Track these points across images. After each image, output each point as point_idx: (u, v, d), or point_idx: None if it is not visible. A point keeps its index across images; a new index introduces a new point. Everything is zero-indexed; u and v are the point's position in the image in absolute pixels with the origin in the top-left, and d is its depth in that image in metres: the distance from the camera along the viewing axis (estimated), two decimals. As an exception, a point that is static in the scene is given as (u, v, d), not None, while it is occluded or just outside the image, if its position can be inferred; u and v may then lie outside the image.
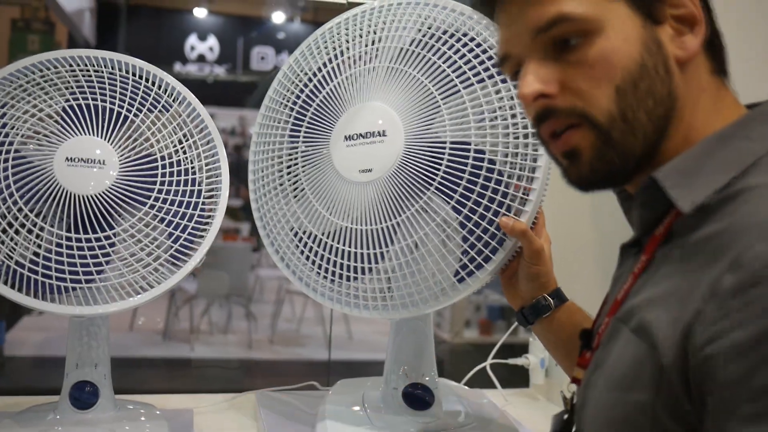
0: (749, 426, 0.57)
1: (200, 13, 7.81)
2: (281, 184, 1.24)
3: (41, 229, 1.11)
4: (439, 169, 1.09)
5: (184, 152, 1.19)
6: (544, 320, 1.12)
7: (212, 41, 7.80)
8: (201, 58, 7.75)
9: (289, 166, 1.23)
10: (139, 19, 7.49)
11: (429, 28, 1.16)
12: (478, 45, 1.12)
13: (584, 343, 0.86)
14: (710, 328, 0.60)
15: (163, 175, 1.16)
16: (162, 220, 1.15)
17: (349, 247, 1.16)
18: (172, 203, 1.16)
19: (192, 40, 7.76)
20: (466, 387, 1.52)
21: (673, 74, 0.71)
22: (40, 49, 5.73)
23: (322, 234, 1.19)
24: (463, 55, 1.11)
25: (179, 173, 1.17)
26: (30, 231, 1.11)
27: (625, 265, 0.82)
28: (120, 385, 1.26)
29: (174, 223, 1.16)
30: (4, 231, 1.10)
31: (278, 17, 7.64)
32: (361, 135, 1.15)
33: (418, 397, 1.25)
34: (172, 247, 1.15)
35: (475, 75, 1.10)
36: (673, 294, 0.66)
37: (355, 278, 1.17)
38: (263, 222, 1.27)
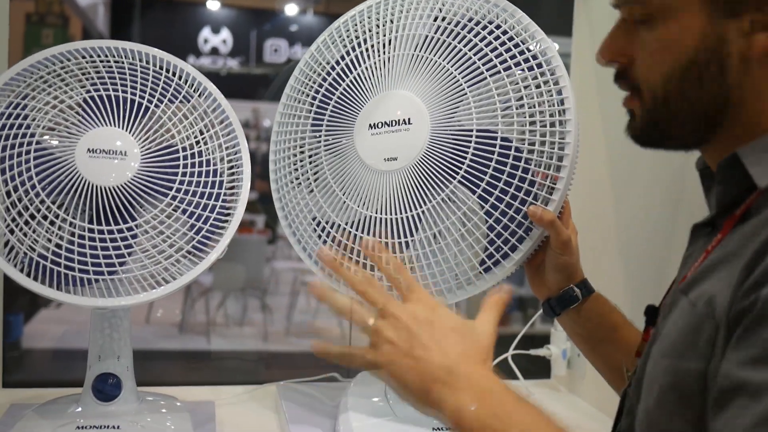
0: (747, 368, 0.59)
1: (213, 5, 7.80)
2: (303, 174, 1.23)
3: (63, 220, 1.11)
4: (465, 158, 1.08)
5: (206, 143, 1.18)
6: (571, 311, 1.11)
7: (225, 34, 7.79)
8: (214, 51, 7.75)
9: (311, 156, 1.23)
10: (152, 12, 7.49)
11: (454, 16, 1.15)
12: (504, 32, 1.10)
13: (648, 320, 0.88)
14: (759, 277, 0.62)
15: (185, 166, 1.16)
16: (184, 211, 1.15)
17: (372, 236, 1.15)
18: (194, 194, 1.15)
19: (205, 32, 7.76)
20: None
21: (728, 72, 0.71)
22: (54, 42, 5.74)
23: (346, 223, 1.18)
24: (489, 43, 1.10)
25: (200, 164, 1.16)
26: (52, 223, 1.10)
27: (696, 245, 0.82)
28: (139, 377, 1.26)
29: (195, 215, 1.15)
30: (27, 223, 1.10)
31: (291, 9, 7.62)
32: (386, 123, 1.14)
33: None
34: (193, 238, 1.15)
35: (501, 62, 1.09)
36: (732, 262, 0.67)
37: (380, 241, 1.16)
38: (285, 212, 1.26)
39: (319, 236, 1.22)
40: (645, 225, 1.42)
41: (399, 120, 1.13)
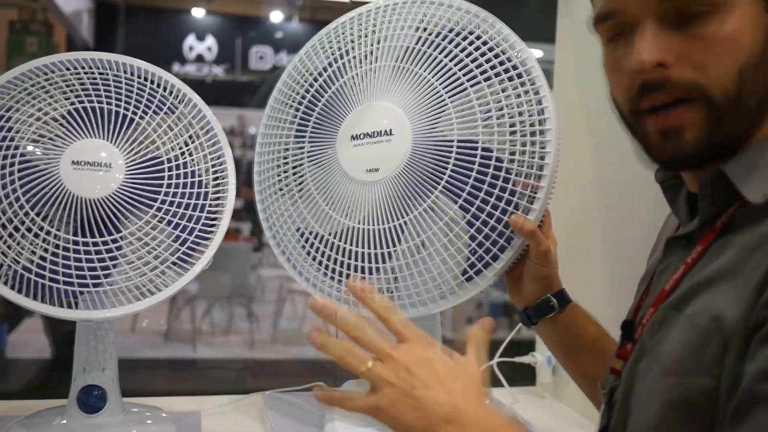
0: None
1: (198, 13, 7.80)
2: (287, 185, 1.24)
3: (47, 233, 1.11)
4: (446, 168, 1.09)
5: (191, 154, 1.18)
6: (548, 321, 1.12)
7: (210, 41, 7.79)
8: (199, 58, 7.75)
9: (295, 166, 1.23)
10: (137, 19, 7.48)
11: (435, 27, 1.16)
12: (485, 43, 1.11)
13: (625, 335, 0.85)
14: None
15: (170, 177, 1.16)
16: (169, 222, 1.15)
17: (356, 246, 1.15)
18: (179, 206, 1.15)
19: (190, 40, 7.75)
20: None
21: None
22: (38, 50, 5.71)
23: (329, 234, 1.18)
24: (470, 53, 1.11)
25: (185, 175, 1.17)
26: (36, 235, 1.10)
27: (672, 257, 0.82)
28: (125, 386, 1.26)
29: (181, 226, 1.15)
30: (11, 235, 1.10)
31: (276, 16, 7.63)
32: (367, 134, 1.15)
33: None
34: (179, 250, 1.15)
35: (482, 73, 1.10)
36: (736, 277, 0.67)
37: (362, 278, 1.17)
38: (269, 223, 1.26)
39: (303, 246, 1.22)
40: (630, 234, 1.44)
41: (381, 131, 1.13)
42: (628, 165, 1.45)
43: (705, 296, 0.70)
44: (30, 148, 1.12)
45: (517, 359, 1.68)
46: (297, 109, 1.24)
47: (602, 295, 1.49)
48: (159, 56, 7.65)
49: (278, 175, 1.25)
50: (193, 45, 7.75)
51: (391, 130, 1.13)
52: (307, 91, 1.23)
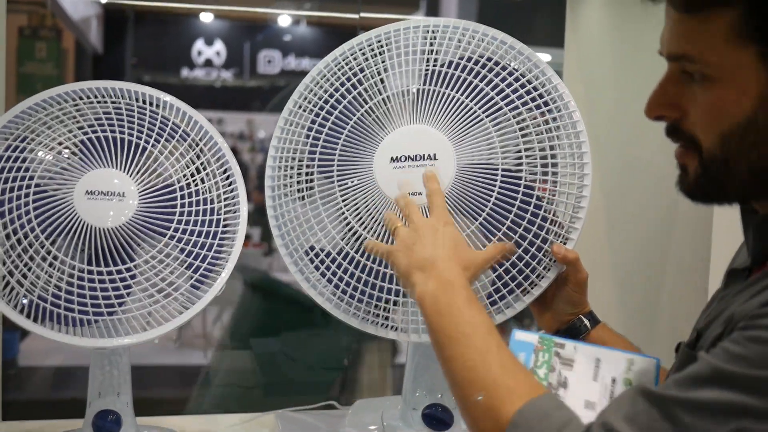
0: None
1: (206, 17, 7.81)
2: (310, 197, 1.21)
3: (62, 262, 1.12)
4: (491, 194, 1.11)
5: (202, 181, 1.19)
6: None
7: (219, 46, 7.79)
8: (208, 63, 7.74)
9: (321, 184, 1.20)
10: (145, 25, 7.49)
11: (473, 54, 1.17)
12: (523, 75, 1.14)
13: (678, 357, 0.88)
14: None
15: (182, 205, 1.17)
16: (182, 250, 1.16)
17: (385, 268, 1.16)
18: (191, 233, 1.17)
19: (199, 44, 7.75)
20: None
21: None
22: (48, 56, 5.74)
23: (355, 252, 1.18)
24: (508, 82, 1.14)
25: (197, 203, 1.18)
26: (51, 264, 1.12)
27: (731, 288, 0.83)
28: (136, 395, 1.27)
29: (194, 253, 1.16)
30: (26, 265, 1.11)
31: (284, 20, 7.64)
32: (410, 157, 1.15)
33: (437, 418, 1.25)
34: (192, 277, 1.16)
35: (518, 98, 1.13)
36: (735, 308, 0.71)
37: (387, 300, 1.18)
38: (285, 241, 1.23)
39: (317, 267, 1.21)
40: (638, 251, 1.44)
41: (424, 155, 1.14)
42: (635, 181, 1.46)
43: (714, 329, 0.73)
44: (45, 179, 1.13)
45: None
46: (322, 124, 1.20)
47: (612, 308, 1.49)
48: (167, 61, 7.67)
49: (295, 184, 1.22)
50: (201, 50, 7.75)
51: (435, 154, 1.14)
52: (334, 107, 1.20)
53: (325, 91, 1.22)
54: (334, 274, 1.20)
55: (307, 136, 1.21)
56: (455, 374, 0.83)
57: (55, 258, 1.12)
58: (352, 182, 1.18)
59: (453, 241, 0.96)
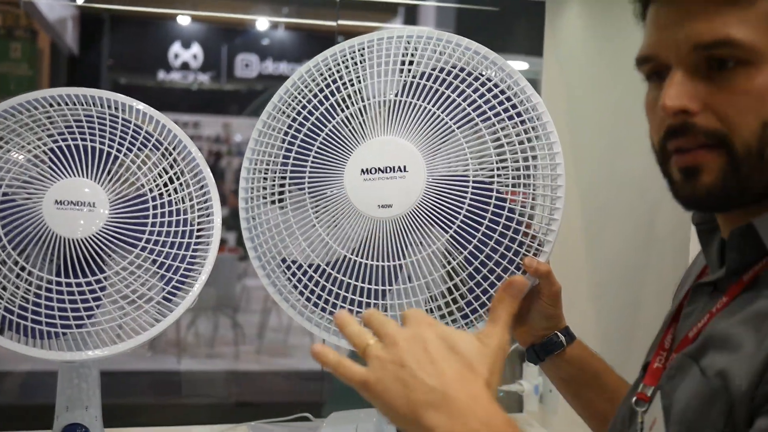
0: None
1: (184, 20, 7.76)
2: (281, 208, 1.20)
3: (30, 273, 1.09)
4: (462, 207, 1.10)
5: (176, 191, 1.17)
6: (555, 357, 1.13)
7: (196, 49, 7.75)
8: (185, 66, 7.70)
9: (291, 191, 1.20)
10: (122, 26, 7.44)
11: (446, 65, 1.15)
12: (496, 85, 1.12)
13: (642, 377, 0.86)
14: None
15: (155, 216, 1.15)
16: (153, 262, 1.14)
17: (356, 281, 1.15)
18: (164, 244, 1.14)
19: (176, 47, 7.71)
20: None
21: None
22: (22, 56, 5.68)
23: (327, 265, 1.17)
24: (483, 95, 1.12)
25: (170, 213, 1.16)
26: (18, 276, 1.09)
27: (698, 302, 0.82)
28: (109, 402, 1.25)
29: (166, 265, 1.14)
30: (-7, 276, 1.08)
31: (262, 24, 7.61)
32: (380, 169, 1.14)
33: (413, 432, 1.24)
34: (164, 289, 1.14)
35: (491, 109, 1.11)
36: (750, 340, 0.67)
37: (359, 312, 1.16)
38: (258, 253, 1.23)
39: (289, 280, 1.20)
40: (617, 268, 1.44)
41: (394, 167, 1.13)
42: (614, 194, 1.45)
43: (720, 352, 0.70)
44: (13, 188, 1.11)
45: (504, 387, 1.67)
46: (295, 136, 1.19)
47: (591, 326, 1.48)
48: (144, 63, 7.61)
49: (269, 192, 1.20)
50: (178, 52, 7.70)
51: (405, 166, 1.12)
52: (306, 119, 1.19)
53: (299, 102, 1.21)
54: (306, 287, 1.19)
55: (280, 148, 1.20)
56: None
57: (23, 269, 1.09)
58: (322, 193, 1.17)
59: (454, 350, 0.70)
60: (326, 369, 0.72)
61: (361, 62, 1.19)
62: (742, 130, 0.70)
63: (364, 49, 1.20)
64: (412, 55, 1.17)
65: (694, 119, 0.72)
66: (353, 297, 1.15)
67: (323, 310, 1.18)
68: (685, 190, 0.75)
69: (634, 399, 0.83)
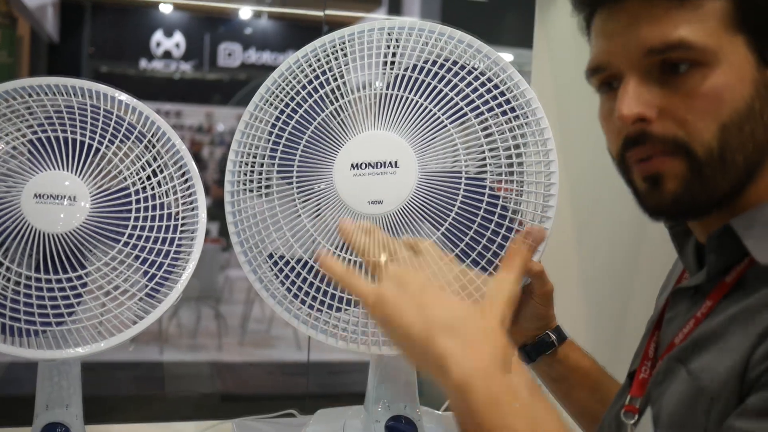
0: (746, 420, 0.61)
1: (166, 8, 7.69)
2: (267, 202, 1.17)
3: (8, 269, 1.06)
4: (454, 204, 1.08)
5: (159, 185, 1.14)
6: (546, 357, 1.12)
7: (178, 37, 7.68)
8: (167, 55, 7.63)
9: (279, 185, 1.17)
10: (103, 14, 7.36)
11: (438, 57, 1.13)
12: (489, 80, 1.10)
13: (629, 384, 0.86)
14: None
15: (137, 210, 1.11)
16: (136, 257, 1.11)
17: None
18: (147, 239, 1.11)
19: (158, 36, 7.63)
20: (449, 414, 1.50)
21: None
22: (2, 43, 5.61)
23: (314, 260, 1.15)
24: (476, 89, 1.10)
25: (154, 208, 1.12)
26: (-4, 271, 1.06)
27: (678, 308, 0.81)
28: (89, 393, 1.22)
29: (149, 261, 1.11)
30: (-31, 271, 1.05)
31: (245, 13, 7.55)
32: (370, 164, 1.11)
33: (401, 431, 1.22)
34: (147, 285, 1.11)
35: (484, 104, 1.09)
36: (736, 337, 0.67)
37: (346, 310, 1.14)
38: (244, 248, 1.21)
39: (276, 276, 1.18)
40: (607, 263, 1.42)
41: (385, 162, 1.10)
42: (604, 180, 1.43)
43: (708, 353, 0.70)
44: (-11, 180, 1.07)
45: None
46: (282, 128, 1.17)
47: (581, 325, 1.47)
48: (126, 52, 7.54)
49: (255, 184, 1.18)
50: (160, 41, 7.63)
51: (396, 161, 1.10)
52: (295, 111, 1.16)
53: (287, 94, 1.18)
54: (293, 283, 1.17)
55: (267, 140, 1.18)
56: None
57: (0, 265, 1.06)
58: (311, 187, 1.14)
59: (466, 289, 0.73)
60: (334, 278, 0.72)
61: (351, 53, 1.17)
62: (702, 134, 0.69)
63: (354, 40, 1.17)
64: (401, 46, 1.15)
65: (651, 127, 0.71)
66: (341, 295, 1.13)
67: (309, 307, 1.16)
68: (652, 199, 0.74)
69: (622, 411, 0.82)
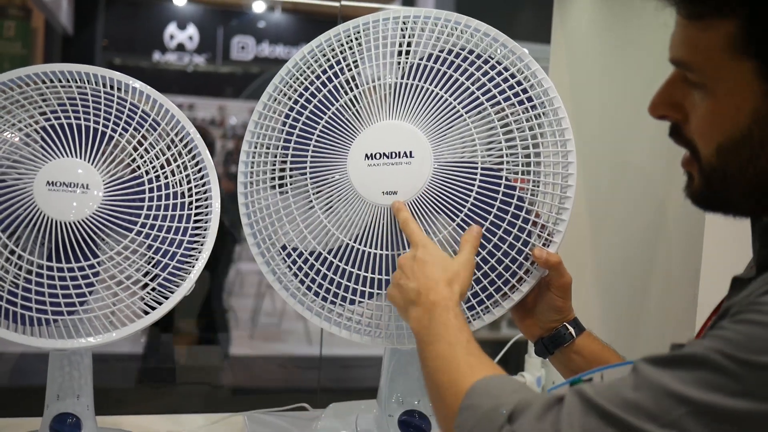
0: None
1: (179, 1, 7.68)
2: (281, 194, 1.16)
3: (20, 257, 1.05)
4: (469, 196, 1.06)
5: (173, 174, 1.13)
6: (564, 349, 1.11)
7: (192, 30, 7.66)
8: (180, 47, 7.61)
9: (293, 176, 1.16)
10: (117, 6, 7.34)
11: (454, 47, 1.11)
12: (506, 69, 1.08)
13: None
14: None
15: (150, 199, 1.10)
16: (149, 246, 1.10)
17: (358, 269, 1.11)
18: (160, 229, 1.10)
19: (171, 28, 7.60)
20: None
21: None
22: (16, 35, 5.61)
23: (328, 252, 1.13)
24: (492, 78, 1.08)
25: (167, 197, 1.11)
26: (8, 260, 1.05)
27: (734, 297, 0.79)
28: (99, 385, 1.21)
29: (162, 250, 1.10)
30: (-19, 259, 1.04)
31: (259, 6, 7.53)
32: (385, 155, 1.10)
33: (415, 425, 1.21)
34: (159, 275, 1.10)
35: (500, 93, 1.07)
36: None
37: (360, 302, 1.13)
38: (257, 239, 1.19)
39: (290, 268, 1.17)
40: (624, 256, 1.40)
41: (400, 152, 1.09)
42: (621, 174, 1.41)
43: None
44: (2, 167, 1.06)
45: (506, 379, 1.64)
46: (296, 119, 1.15)
47: (596, 316, 1.45)
48: (139, 44, 7.51)
49: (269, 177, 1.17)
50: (174, 33, 7.60)
51: (411, 152, 1.08)
52: (309, 101, 1.15)
53: (300, 84, 1.16)
54: (306, 275, 1.15)
55: (281, 131, 1.16)
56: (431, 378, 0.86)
57: (12, 253, 1.05)
58: (325, 178, 1.13)
59: (434, 264, 0.95)
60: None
61: (366, 43, 1.15)
62: (704, 149, 0.71)
63: (369, 29, 1.16)
64: (417, 35, 1.13)
65: (682, 125, 0.73)
66: (355, 287, 1.12)
67: (323, 299, 1.15)
68: (687, 190, 0.76)
69: None
